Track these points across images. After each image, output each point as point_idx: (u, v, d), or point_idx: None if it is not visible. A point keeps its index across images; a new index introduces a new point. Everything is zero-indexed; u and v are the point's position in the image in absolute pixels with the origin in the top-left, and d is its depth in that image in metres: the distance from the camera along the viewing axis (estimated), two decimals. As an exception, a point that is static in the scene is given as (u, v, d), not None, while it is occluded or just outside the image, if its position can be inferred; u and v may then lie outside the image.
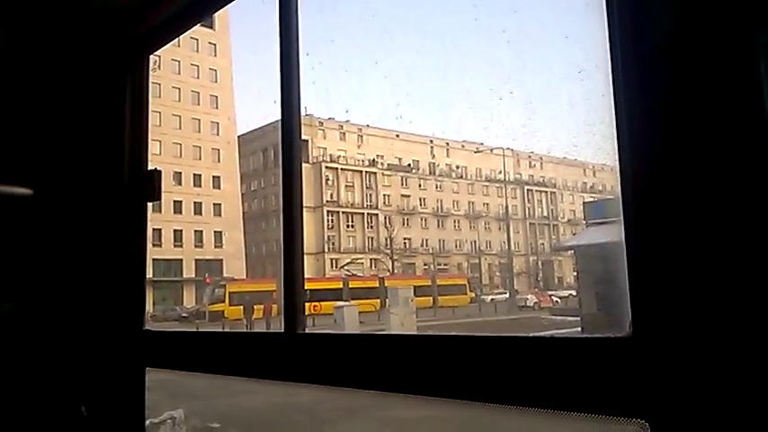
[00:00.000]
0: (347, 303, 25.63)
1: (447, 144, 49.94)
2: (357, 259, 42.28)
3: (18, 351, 2.44)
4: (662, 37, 1.08)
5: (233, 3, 2.30)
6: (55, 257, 2.53)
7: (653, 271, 1.06)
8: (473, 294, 36.00)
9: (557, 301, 30.25)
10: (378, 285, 32.76)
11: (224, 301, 29.98)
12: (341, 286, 31.99)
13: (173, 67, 43.89)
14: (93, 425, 2.38)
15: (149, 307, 37.63)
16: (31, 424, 2.37)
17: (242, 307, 27.63)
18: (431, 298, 31.19)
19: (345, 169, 46.49)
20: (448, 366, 1.39)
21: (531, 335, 1.31)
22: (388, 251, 43.11)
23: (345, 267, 40.31)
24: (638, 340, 1.07)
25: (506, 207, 46.21)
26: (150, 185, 2.52)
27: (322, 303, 25.97)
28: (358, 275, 38.30)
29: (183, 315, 33.58)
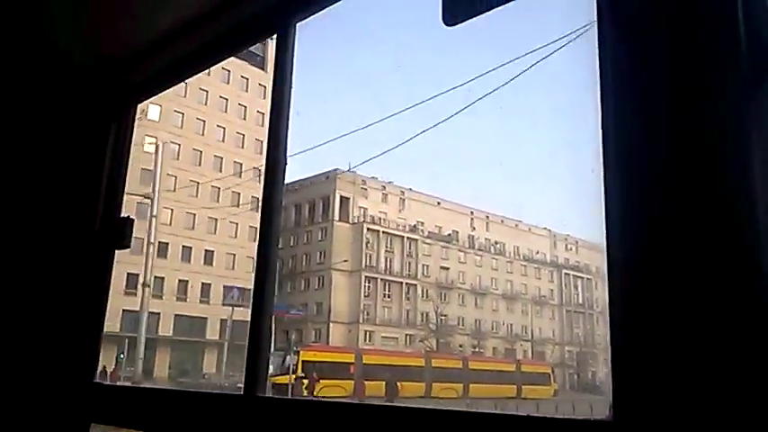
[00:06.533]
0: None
1: (487, 217, 47.74)
2: (427, 338, 38.66)
3: None
4: (658, 114, 1.11)
5: (224, 62, 2.58)
6: (11, 300, 2.47)
7: (635, 357, 1.07)
8: (557, 386, 32.18)
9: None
10: (462, 366, 28.89)
11: (293, 372, 24.99)
12: (422, 364, 27.84)
13: (220, 105, 40.82)
14: None
15: (165, 369, 33.68)
16: None
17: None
18: (514, 386, 27.45)
19: (387, 233, 43.31)
20: None
21: (512, 413, 1.28)
22: (430, 326, 39.85)
23: (425, 342, 36.51)
24: (619, 424, 1.07)
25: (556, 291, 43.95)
26: (121, 233, 2.53)
27: (403, 384, 22.90)
28: (440, 353, 34.43)
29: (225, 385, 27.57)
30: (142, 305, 26.29)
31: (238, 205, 38.50)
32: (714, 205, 1.01)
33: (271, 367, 27.45)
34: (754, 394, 0.93)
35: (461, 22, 1.53)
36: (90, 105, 2.64)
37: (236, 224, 38.58)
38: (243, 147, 41.33)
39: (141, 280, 27.87)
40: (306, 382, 24.15)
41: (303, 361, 25.04)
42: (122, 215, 2.61)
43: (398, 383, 23.86)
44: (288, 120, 2.04)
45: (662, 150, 1.08)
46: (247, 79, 41.82)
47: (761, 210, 0.97)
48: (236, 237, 38.57)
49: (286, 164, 2.06)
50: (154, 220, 27.00)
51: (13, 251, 2.52)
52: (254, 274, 1.92)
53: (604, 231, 1.13)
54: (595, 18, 1.22)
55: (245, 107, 42.05)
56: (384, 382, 23.44)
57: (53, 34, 2.58)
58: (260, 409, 1.77)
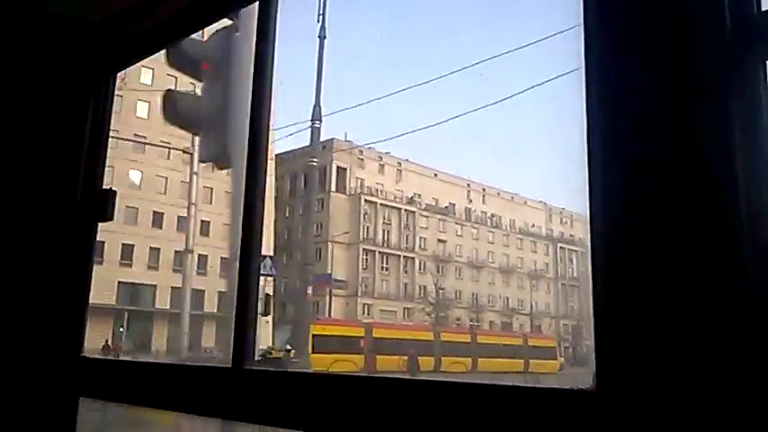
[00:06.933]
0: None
1: (483, 190, 47.59)
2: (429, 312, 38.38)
3: None
4: (638, 91, 1.12)
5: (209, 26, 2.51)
6: None
7: (619, 326, 1.08)
8: (562, 360, 31.94)
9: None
10: (470, 340, 28.48)
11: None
12: (431, 338, 27.36)
13: None
14: None
15: (162, 343, 33.32)
16: None
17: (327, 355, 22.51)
18: (522, 361, 26.86)
19: (384, 204, 43.05)
20: (407, 412, 1.36)
21: (493, 383, 1.28)
22: (429, 299, 39.76)
23: (431, 316, 35.99)
24: (602, 394, 1.09)
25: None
26: (103, 205, 2.51)
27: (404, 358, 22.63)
28: (450, 327, 34.24)
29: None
30: (185, 276, 24.80)
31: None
32: (694, 176, 1.03)
33: (278, 342, 27.34)
34: (735, 362, 0.95)
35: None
36: (69, 71, 2.57)
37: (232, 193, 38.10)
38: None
39: (184, 246, 25.54)
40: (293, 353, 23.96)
41: (313, 335, 24.48)
42: (105, 186, 2.57)
43: (419, 358, 23.49)
44: (271, 89, 2.04)
45: (643, 122, 1.10)
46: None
47: (741, 178, 0.98)
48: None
49: (269, 133, 2.06)
50: (195, 177, 25.39)
51: None
52: (239, 248, 1.90)
53: (587, 205, 1.15)
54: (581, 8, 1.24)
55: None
56: (395, 356, 22.94)
57: None
58: (248, 382, 1.76)
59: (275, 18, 2.06)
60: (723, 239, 0.98)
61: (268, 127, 2.02)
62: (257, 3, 2.07)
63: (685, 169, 1.04)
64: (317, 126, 23.11)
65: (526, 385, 1.24)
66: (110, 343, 28.42)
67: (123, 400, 2.19)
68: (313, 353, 23.19)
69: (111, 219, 2.49)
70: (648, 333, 1.03)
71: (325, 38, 25.06)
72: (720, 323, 0.97)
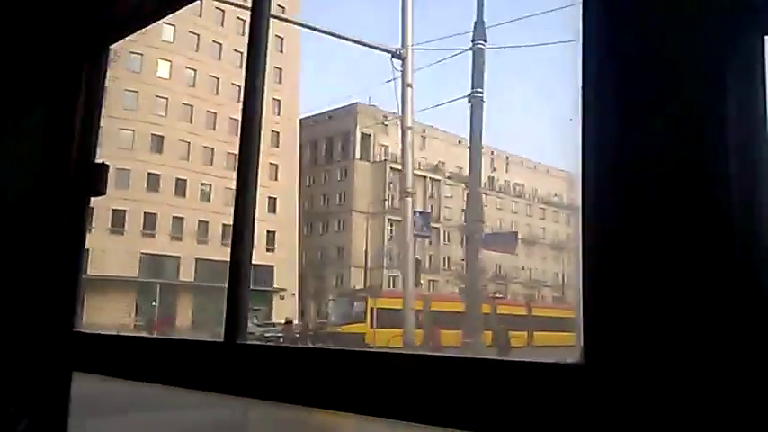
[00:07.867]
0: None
1: (507, 158, 46.49)
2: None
3: None
4: (632, 62, 1.11)
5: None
6: None
7: (607, 297, 1.07)
8: None
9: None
10: (526, 314, 27.98)
11: (363, 321, 23.42)
12: (488, 311, 26.06)
13: (237, 27, 36.54)
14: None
15: (188, 316, 32.39)
16: None
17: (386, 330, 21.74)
18: (574, 334, 26.35)
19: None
20: (396, 386, 1.38)
21: (479, 357, 1.31)
22: (453, 269, 38.94)
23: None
24: (590, 368, 1.08)
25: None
26: (98, 179, 2.51)
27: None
28: (506, 299, 33.47)
29: (296, 335, 24.66)
30: (406, 216, 23.00)
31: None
32: (688, 151, 1.01)
33: (333, 316, 26.59)
34: (725, 335, 0.93)
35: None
36: (61, 44, 2.58)
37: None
38: (262, 73, 39.02)
39: (403, 186, 23.19)
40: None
41: (371, 308, 23.92)
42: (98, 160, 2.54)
43: (509, 333, 22.99)
44: (265, 64, 2.02)
45: (638, 96, 1.07)
46: (267, -2, 38.95)
47: (732, 156, 0.97)
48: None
49: (262, 110, 2.03)
50: (410, 90, 23.04)
51: None
52: (232, 215, 1.88)
53: (580, 168, 1.13)
54: None
55: (265, 29, 39.49)
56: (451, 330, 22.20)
57: None
58: (240, 356, 1.77)
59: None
60: (715, 214, 0.97)
61: (262, 101, 1.98)
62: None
63: (678, 141, 1.02)
64: (481, 47, 19.71)
65: (513, 359, 1.23)
66: (135, 317, 27.68)
67: (116, 374, 2.20)
68: (371, 328, 22.49)
69: (103, 193, 2.49)
70: (637, 306, 1.02)
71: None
72: (711, 297, 0.95)
